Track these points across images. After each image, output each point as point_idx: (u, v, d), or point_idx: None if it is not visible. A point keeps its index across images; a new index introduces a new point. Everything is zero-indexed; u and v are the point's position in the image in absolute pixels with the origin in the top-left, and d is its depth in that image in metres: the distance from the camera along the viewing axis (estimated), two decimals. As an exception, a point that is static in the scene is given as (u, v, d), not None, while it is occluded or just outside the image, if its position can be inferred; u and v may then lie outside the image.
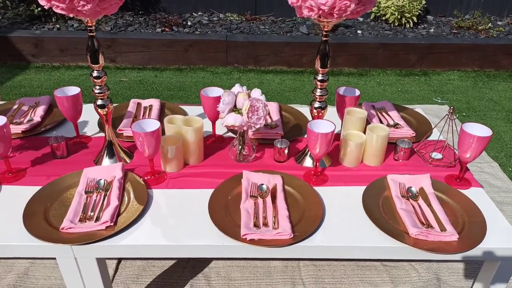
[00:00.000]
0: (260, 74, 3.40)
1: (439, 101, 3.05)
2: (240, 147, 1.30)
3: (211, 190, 1.19)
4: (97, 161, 1.30)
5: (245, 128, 1.20)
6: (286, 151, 1.32)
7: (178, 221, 1.08)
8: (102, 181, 1.18)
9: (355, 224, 1.08)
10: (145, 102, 1.65)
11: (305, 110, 1.64)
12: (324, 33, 1.15)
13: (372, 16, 4.05)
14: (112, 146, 1.30)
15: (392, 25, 3.89)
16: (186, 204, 1.15)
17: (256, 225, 1.05)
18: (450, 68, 3.57)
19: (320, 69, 1.20)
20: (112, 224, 1.04)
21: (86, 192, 1.15)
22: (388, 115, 1.60)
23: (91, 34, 1.10)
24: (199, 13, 4.07)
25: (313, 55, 3.45)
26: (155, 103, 1.64)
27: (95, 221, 1.04)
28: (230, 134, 1.49)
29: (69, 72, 3.37)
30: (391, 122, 1.55)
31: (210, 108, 1.35)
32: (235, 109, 1.21)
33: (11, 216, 1.07)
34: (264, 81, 3.29)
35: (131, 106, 1.61)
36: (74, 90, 1.35)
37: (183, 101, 2.94)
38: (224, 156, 1.36)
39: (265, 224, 1.06)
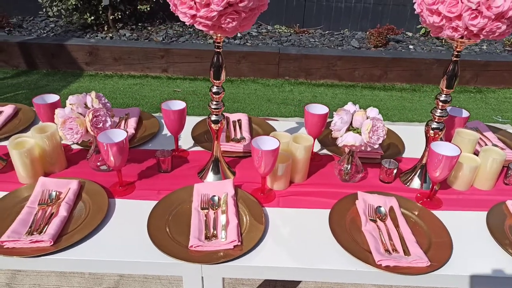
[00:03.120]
0: (311, 87, 3.39)
1: (500, 119, 2.98)
2: (347, 166, 1.27)
3: (324, 211, 1.16)
4: (202, 176, 1.29)
5: (362, 148, 1.17)
6: (394, 171, 1.29)
7: (300, 242, 1.06)
8: (216, 198, 1.17)
9: (487, 252, 1.04)
10: (233, 116, 1.64)
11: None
12: (456, 53, 1.11)
13: (422, 31, 4.00)
14: (218, 162, 1.29)
15: (443, 41, 3.84)
16: (303, 224, 1.12)
17: (386, 250, 1.01)
18: (505, 86, 3.49)
19: (445, 89, 1.16)
20: (239, 243, 1.01)
21: (202, 209, 1.14)
22: (484, 136, 1.55)
23: (218, 50, 1.10)
24: (247, 24, 4.09)
25: (366, 69, 3.43)
26: (243, 117, 1.63)
27: (222, 240, 1.02)
28: (325, 151, 1.47)
29: (122, 81, 3.41)
30: (489, 144, 1.50)
31: (314, 125, 1.33)
32: (351, 127, 1.19)
33: (134, 232, 1.06)
34: (316, 95, 3.27)
35: (221, 119, 1.60)
36: (179, 104, 1.34)
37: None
38: (328, 174, 1.33)
39: (395, 250, 1.02)
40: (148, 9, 3.75)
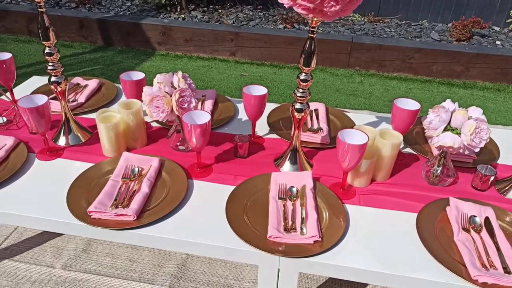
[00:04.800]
0: (383, 80, 3.22)
1: None
2: (438, 168, 1.17)
3: (410, 214, 1.08)
4: (278, 165, 1.25)
5: (460, 151, 1.07)
6: (491, 179, 1.17)
7: (384, 245, 0.99)
8: (294, 189, 1.13)
9: None
10: (311, 105, 1.58)
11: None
12: None
13: (512, 26, 3.65)
14: (296, 152, 1.24)
15: (537, 38, 3.47)
16: (387, 226, 1.05)
17: (483, 265, 0.92)
18: None
19: None
20: (320, 239, 0.97)
21: (280, 199, 1.10)
22: None
23: (312, 35, 1.04)
24: (318, 11, 3.96)
25: (445, 64, 3.20)
26: (320, 107, 1.56)
27: (301, 234, 0.98)
28: (408, 149, 1.37)
29: (191, 62, 3.46)
30: None
31: (403, 121, 1.24)
32: (449, 127, 1.09)
33: (212, 216, 1.05)
34: (389, 88, 3.10)
35: (297, 108, 1.55)
36: (261, 90, 1.31)
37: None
38: (413, 175, 1.24)
39: (493, 266, 0.92)
40: (221, -9, 3.75)
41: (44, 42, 1.16)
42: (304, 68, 1.09)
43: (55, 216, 1.02)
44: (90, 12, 3.81)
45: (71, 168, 1.20)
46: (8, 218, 1.05)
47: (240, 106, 1.59)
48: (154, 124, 1.44)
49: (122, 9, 3.95)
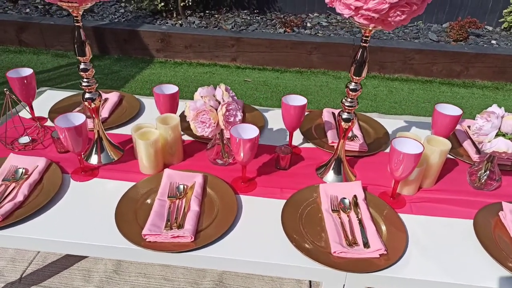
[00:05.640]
0: (385, 82, 3.25)
1: None
2: (485, 173, 1.17)
3: (463, 220, 1.08)
4: (321, 175, 1.23)
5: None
6: (537, 182, 1.18)
7: (447, 254, 0.98)
8: (346, 201, 1.11)
9: None
10: (337, 111, 1.57)
11: None
12: None
13: (505, 25, 3.73)
14: (341, 162, 1.22)
15: (531, 36, 3.57)
16: (445, 234, 1.04)
17: (551, 272, 0.92)
18: None
19: None
20: (386, 252, 0.95)
21: (333, 211, 1.08)
22: None
23: (365, 44, 1.03)
24: (315, 14, 3.97)
25: (445, 64, 3.24)
26: (350, 113, 1.55)
27: (365, 247, 0.96)
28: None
29: (192, 68, 3.41)
30: None
31: (445, 127, 1.24)
32: (499, 132, 1.09)
33: (268, 232, 1.02)
34: (392, 89, 3.13)
35: (327, 115, 1.54)
36: (300, 100, 1.28)
37: (314, 106, 2.85)
38: (457, 180, 1.24)
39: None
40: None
41: (79, 58, 1.11)
42: (354, 77, 1.07)
43: (108, 241, 0.97)
44: (83, 20, 3.72)
45: (110, 188, 1.15)
46: (55, 246, 1.00)
47: (267, 115, 1.57)
48: (185, 138, 1.39)
49: (116, 16, 3.88)
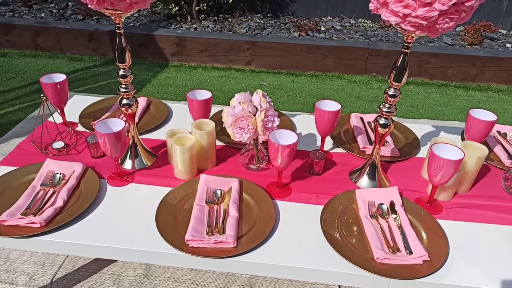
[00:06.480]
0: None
1: None
2: (521, 179, 1.17)
3: (502, 226, 1.08)
4: (355, 180, 1.24)
5: (553, 162, 1.07)
6: None
7: (490, 260, 0.97)
8: (384, 207, 1.11)
9: None
10: (367, 117, 1.57)
11: None
12: None
13: (520, 28, 3.72)
14: (375, 168, 1.22)
15: (545, 39, 3.56)
16: (484, 240, 1.04)
17: None
18: None
19: None
20: (429, 259, 0.95)
21: (371, 217, 1.08)
22: None
23: (406, 51, 1.03)
24: (328, 17, 3.98)
25: (460, 68, 3.24)
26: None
27: (408, 253, 0.96)
28: (476, 160, 1.37)
29: (207, 72, 3.42)
30: None
31: (479, 132, 1.24)
32: (538, 139, 1.09)
33: (310, 238, 1.02)
34: (408, 93, 3.12)
35: (355, 120, 1.54)
36: (335, 105, 1.29)
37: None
38: (491, 186, 1.23)
39: None
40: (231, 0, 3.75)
41: (119, 64, 1.13)
42: (394, 83, 1.08)
43: (150, 246, 0.98)
44: (99, 24, 3.75)
45: (146, 193, 1.16)
46: (96, 251, 1.00)
47: (294, 120, 1.57)
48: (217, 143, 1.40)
49: (131, 20, 3.90)
